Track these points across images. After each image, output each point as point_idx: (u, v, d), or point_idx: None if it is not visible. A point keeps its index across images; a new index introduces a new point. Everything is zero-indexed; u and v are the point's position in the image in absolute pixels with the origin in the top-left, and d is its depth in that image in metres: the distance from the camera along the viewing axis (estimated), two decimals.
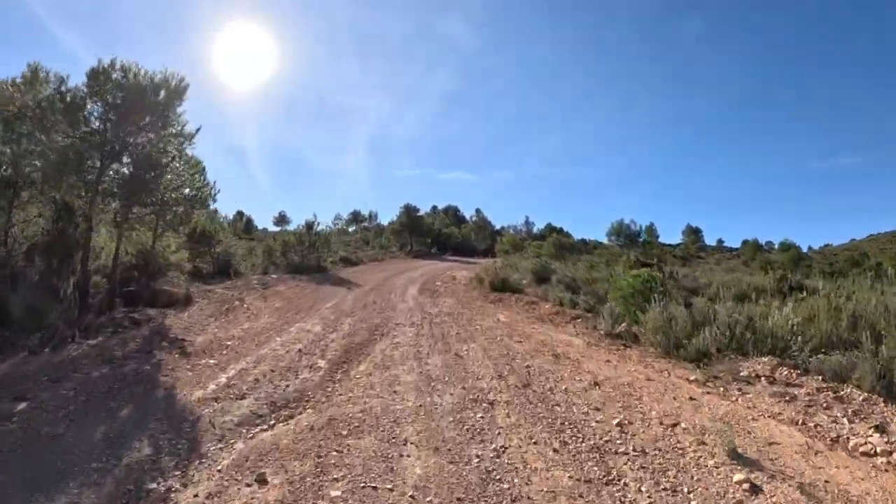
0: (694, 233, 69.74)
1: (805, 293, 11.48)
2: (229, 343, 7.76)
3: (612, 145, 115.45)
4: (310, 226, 20.00)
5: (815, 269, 32.32)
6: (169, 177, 8.91)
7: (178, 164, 9.04)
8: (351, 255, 24.63)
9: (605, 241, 38.81)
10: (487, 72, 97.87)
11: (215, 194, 10.71)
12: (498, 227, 53.02)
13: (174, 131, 8.70)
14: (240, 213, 50.79)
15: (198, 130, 9.15)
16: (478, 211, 51.21)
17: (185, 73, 8.54)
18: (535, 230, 54.40)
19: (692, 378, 6.49)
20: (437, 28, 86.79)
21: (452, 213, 50.15)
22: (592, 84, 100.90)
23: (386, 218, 42.42)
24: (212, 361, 6.77)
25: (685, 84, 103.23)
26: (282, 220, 52.07)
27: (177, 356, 7.01)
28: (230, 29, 71.97)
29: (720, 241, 71.50)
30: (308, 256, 19.41)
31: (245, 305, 11.12)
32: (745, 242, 64.97)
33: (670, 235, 72.79)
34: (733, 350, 7.82)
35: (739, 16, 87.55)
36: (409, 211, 36.07)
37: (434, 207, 51.17)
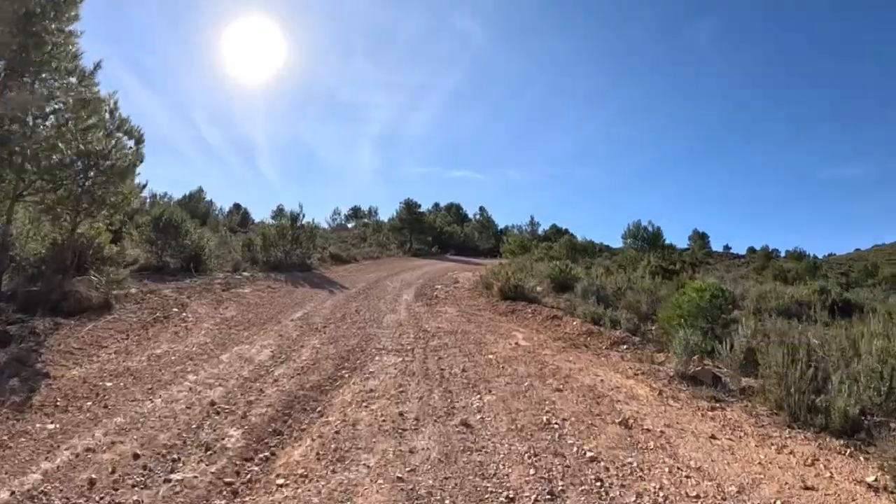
0: (701, 238, 66.82)
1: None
2: (110, 384, 4.86)
3: (619, 147, 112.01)
4: (294, 218, 17.08)
5: (832, 279, 29.40)
6: (42, 129, 5.96)
7: (66, 113, 6.08)
8: (343, 252, 21.69)
9: (619, 243, 35.99)
10: (499, 71, 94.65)
11: (136, 164, 7.79)
12: (502, 226, 50.02)
13: (57, 66, 5.78)
14: (237, 206, 47.93)
15: (97, 67, 6.28)
16: (482, 209, 47.86)
17: None
18: (539, 231, 51.38)
19: (870, 480, 3.63)
20: (450, 26, 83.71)
21: (455, 211, 46.95)
22: (601, 85, 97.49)
23: (388, 215, 39.26)
24: (49, 427, 3.87)
25: (694, 87, 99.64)
26: (280, 213, 49.00)
27: (8, 410, 4.13)
28: (242, 23, 69.11)
29: (727, 247, 68.60)
30: (291, 252, 16.52)
31: (184, 314, 8.23)
32: (751, 249, 61.99)
33: (675, 240, 69.91)
34: (886, 413, 4.99)
35: (752, 18, 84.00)
36: (410, 206, 33.00)
37: (436, 204, 48.05)
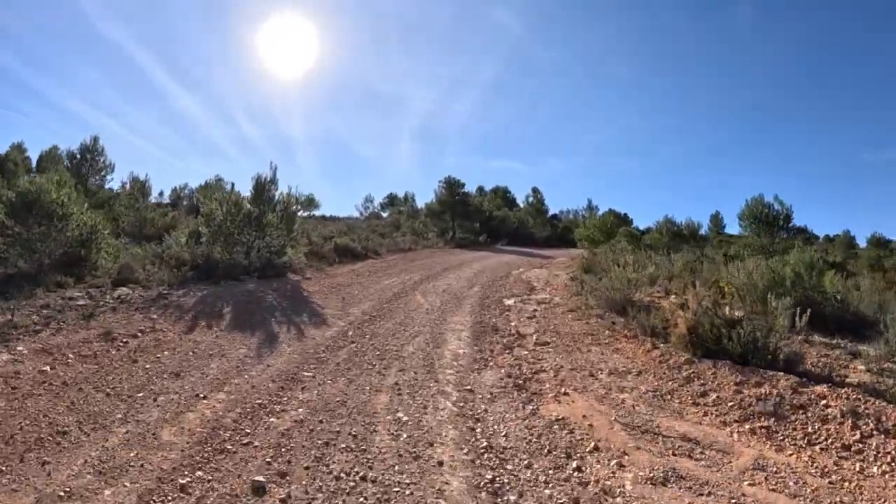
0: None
1: None
2: None
3: (657, 136, 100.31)
4: (260, 188, 9.67)
5: None
6: None
7: None
8: (358, 243, 14.19)
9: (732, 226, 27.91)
10: (535, 60, 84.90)
11: None
12: (551, 213, 41.61)
13: None
14: None
15: None
16: (534, 190, 39.16)
17: None
18: (597, 216, 42.62)
19: None
20: (484, 15, 74.84)
21: (502, 195, 38.85)
22: (639, 73, 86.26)
23: (427, 202, 31.23)
24: None
25: (736, 72, 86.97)
26: (309, 203, 41.95)
27: None
28: (276, 22, 62.79)
29: None
30: (251, 246, 9.16)
31: None
32: (825, 237, 51.76)
33: (732, 227, 60.26)
34: None
35: (793, 2, 71.81)
36: (452, 186, 25.25)
37: (480, 188, 40.00)
